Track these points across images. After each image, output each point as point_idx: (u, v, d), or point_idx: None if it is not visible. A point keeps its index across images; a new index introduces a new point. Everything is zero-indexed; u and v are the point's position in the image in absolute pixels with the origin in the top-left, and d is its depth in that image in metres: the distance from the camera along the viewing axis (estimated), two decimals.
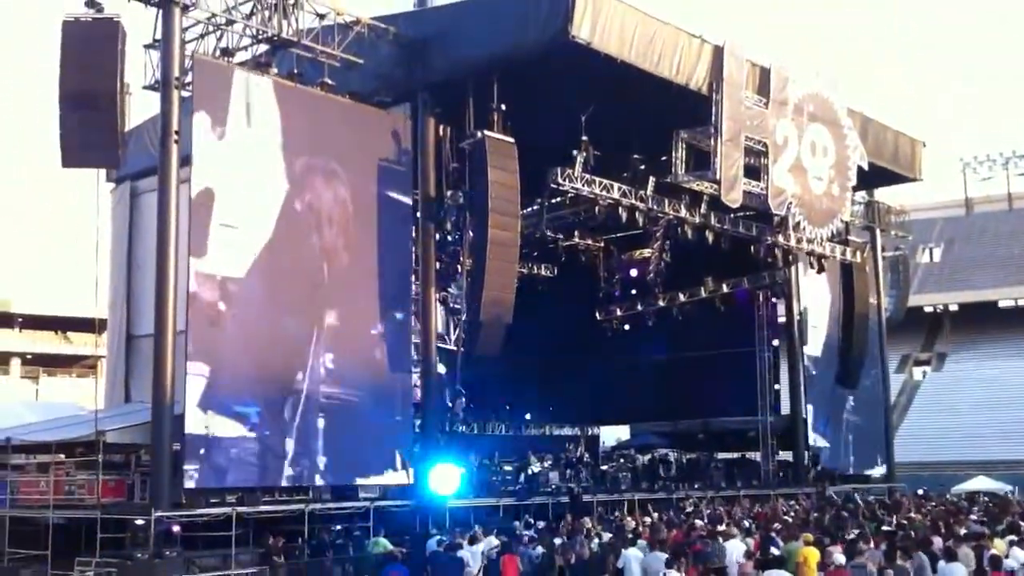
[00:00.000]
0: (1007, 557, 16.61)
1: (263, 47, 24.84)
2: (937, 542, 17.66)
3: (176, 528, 20.56)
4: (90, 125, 20.69)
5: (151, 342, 22.22)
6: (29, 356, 69.18)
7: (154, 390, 21.54)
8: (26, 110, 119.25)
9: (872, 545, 18.07)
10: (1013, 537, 18.39)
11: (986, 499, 33.10)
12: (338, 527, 23.75)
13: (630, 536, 21.05)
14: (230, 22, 23.94)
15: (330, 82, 25.14)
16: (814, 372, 39.76)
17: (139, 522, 20.54)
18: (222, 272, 22.37)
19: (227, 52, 24.17)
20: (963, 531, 20.11)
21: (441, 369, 30.78)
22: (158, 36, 22.96)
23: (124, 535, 20.95)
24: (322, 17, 25.19)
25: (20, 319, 69.68)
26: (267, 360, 23.02)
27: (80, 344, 69.25)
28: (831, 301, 39.90)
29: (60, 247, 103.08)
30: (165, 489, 21.05)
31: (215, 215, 22.40)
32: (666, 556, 17.11)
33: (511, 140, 25.52)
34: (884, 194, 43.55)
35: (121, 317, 29.67)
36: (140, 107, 26.44)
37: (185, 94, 22.79)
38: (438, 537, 21.49)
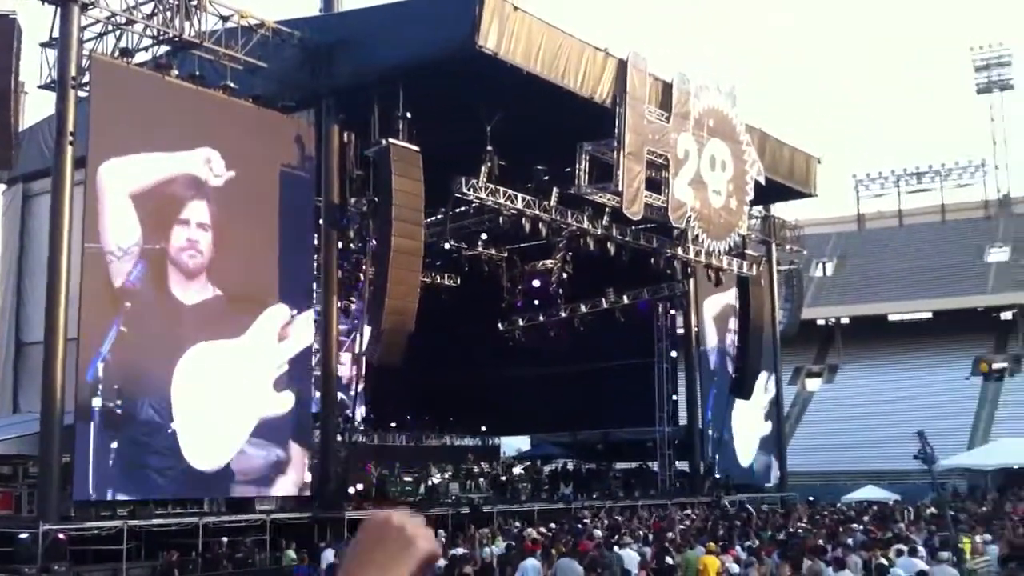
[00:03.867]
0: (893, 566, 17.02)
1: (164, 48, 24.35)
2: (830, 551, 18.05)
3: (61, 536, 19.95)
4: None
5: (41, 350, 21.61)
6: None
7: (43, 398, 20.99)
8: None
9: (764, 554, 18.43)
10: (900, 547, 18.84)
11: (874, 508, 33.96)
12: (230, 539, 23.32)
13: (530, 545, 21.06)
14: (130, 22, 23.38)
15: (232, 85, 24.74)
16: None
17: (23, 535, 19.94)
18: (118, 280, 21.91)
19: (126, 52, 23.66)
20: (849, 540, 20.57)
21: (342, 376, 30.50)
22: (55, 34, 22.33)
23: (11, 549, 20.28)
24: (225, 19, 24.80)
25: None
26: (164, 369, 22.57)
27: None
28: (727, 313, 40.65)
29: None
30: (53, 501, 20.49)
31: (111, 214, 21.91)
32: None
33: (416, 148, 25.43)
34: (780, 209, 44.58)
35: (10, 324, 28.72)
36: (35, 107, 25.76)
37: (82, 94, 22.23)
38: (334, 549, 21.24)
